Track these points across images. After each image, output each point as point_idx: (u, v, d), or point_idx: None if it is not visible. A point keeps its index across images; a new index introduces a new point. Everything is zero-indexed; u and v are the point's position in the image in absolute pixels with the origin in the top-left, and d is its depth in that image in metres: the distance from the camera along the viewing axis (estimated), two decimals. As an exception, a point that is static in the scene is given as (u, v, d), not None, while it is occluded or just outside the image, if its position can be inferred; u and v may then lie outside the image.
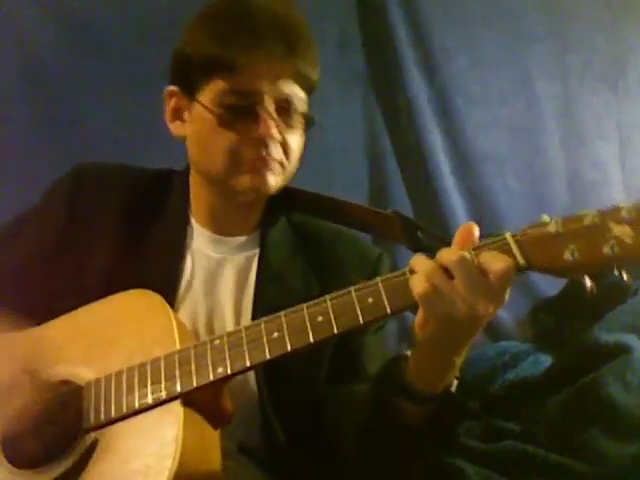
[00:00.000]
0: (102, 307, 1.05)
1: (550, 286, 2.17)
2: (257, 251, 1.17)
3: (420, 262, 0.87)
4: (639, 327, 1.70)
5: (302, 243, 1.20)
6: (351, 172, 2.36)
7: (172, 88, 1.14)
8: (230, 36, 1.05)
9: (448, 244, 0.89)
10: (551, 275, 0.87)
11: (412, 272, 0.87)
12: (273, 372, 1.08)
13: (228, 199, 1.14)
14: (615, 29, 2.57)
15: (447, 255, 0.85)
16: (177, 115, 1.14)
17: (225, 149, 1.07)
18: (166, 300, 1.04)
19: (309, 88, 1.12)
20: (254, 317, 1.11)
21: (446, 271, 0.84)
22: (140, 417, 0.93)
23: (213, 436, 0.96)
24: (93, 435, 0.93)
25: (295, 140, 1.11)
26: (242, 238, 1.18)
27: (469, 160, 2.45)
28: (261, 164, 1.07)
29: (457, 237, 0.89)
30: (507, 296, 0.86)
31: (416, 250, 1.07)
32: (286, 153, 1.10)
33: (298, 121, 1.10)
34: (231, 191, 1.11)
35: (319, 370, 1.13)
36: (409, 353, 0.95)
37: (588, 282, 0.85)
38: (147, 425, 0.92)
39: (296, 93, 1.09)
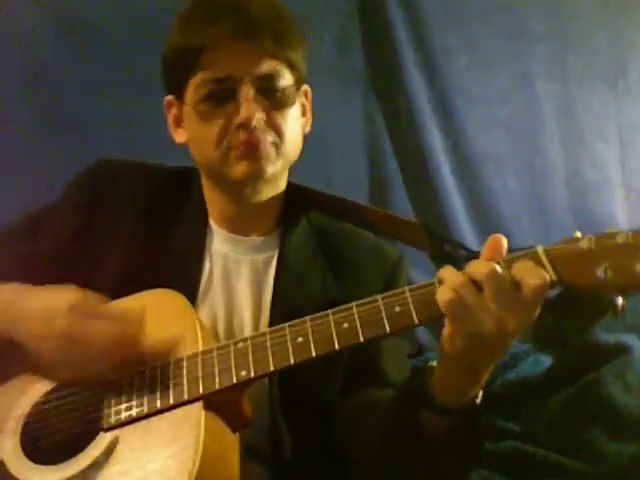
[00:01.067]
0: (126, 305, 1.03)
1: (550, 286, 2.17)
2: (276, 252, 1.16)
3: (448, 273, 0.85)
4: (639, 327, 1.70)
5: (322, 244, 1.18)
6: (351, 172, 2.36)
7: (169, 98, 1.16)
8: (194, 27, 1.05)
9: (476, 257, 0.88)
10: (580, 292, 0.86)
11: (440, 283, 0.86)
12: (285, 375, 1.05)
13: (238, 199, 1.14)
14: (615, 29, 2.56)
15: (477, 267, 0.83)
16: (178, 123, 1.16)
17: (213, 140, 1.07)
18: (187, 295, 1.04)
19: (291, 66, 1.09)
20: (272, 318, 1.11)
21: (476, 285, 0.83)
22: (161, 417, 0.92)
23: (232, 439, 0.96)
24: (113, 434, 0.93)
25: (286, 117, 1.09)
26: (260, 238, 1.17)
27: (469, 160, 2.45)
28: (252, 149, 1.06)
29: (486, 248, 0.87)
30: (538, 312, 0.84)
31: (440, 260, 1.07)
32: (278, 133, 1.08)
33: (286, 99, 1.08)
34: (233, 184, 1.10)
35: (333, 376, 1.12)
36: (435, 364, 0.95)
37: (620, 300, 0.84)
38: (167, 426, 0.91)
39: (275, 69, 1.06)
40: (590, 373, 1.55)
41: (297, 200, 1.19)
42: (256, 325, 1.13)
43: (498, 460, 1.45)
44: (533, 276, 0.81)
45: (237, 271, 1.15)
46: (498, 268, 0.82)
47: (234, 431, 0.97)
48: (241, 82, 1.04)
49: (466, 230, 2.38)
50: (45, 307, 0.92)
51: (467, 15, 2.42)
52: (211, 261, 1.15)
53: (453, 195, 2.41)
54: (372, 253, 1.19)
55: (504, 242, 0.86)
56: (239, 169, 1.07)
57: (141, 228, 1.14)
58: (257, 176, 1.08)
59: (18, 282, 1.00)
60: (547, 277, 0.81)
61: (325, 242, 1.19)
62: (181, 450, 0.88)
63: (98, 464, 0.91)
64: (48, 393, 1.00)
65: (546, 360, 1.82)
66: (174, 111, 1.15)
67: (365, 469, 1.07)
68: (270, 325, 1.09)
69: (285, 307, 1.02)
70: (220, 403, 0.93)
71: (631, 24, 2.58)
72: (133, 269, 1.10)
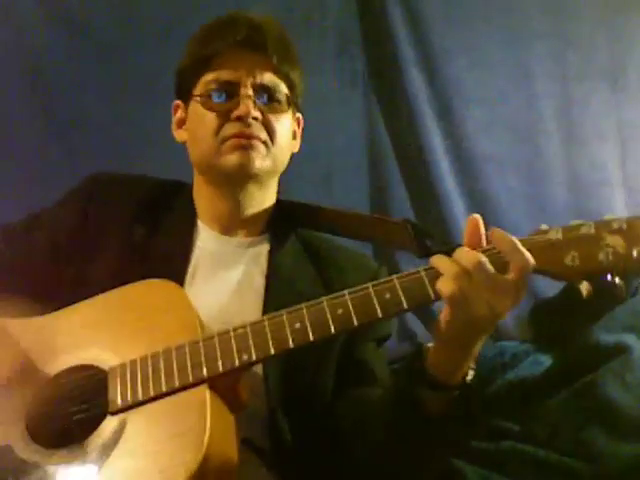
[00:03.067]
0: (121, 295, 1.08)
1: (550, 286, 2.17)
2: (264, 251, 1.23)
3: (444, 263, 0.92)
4: (639, 327, 1.70)
5: (309, 255, 1.26)
6: (351, 172, 2.36)
7: (177, 102, 1.27)
8: (211, 37, 1.19)
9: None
10: (551, 277, 0.93)
11: (434, 271, 0.93)
12: (281, 369, 1.12)
13: (228, 196, 1.21)
14: (615, 28, 2.56)
15: (467, 257, 0.91)
16: (180, 124, 1.27)
17: (210, 130, 1.17)
18: None
19: (290, 84, 1.21)
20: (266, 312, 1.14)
21: (468, 273, 0.90)
22: (165, 400, 0.96)
23: (232, 421, 1.00)
24: (121, 417, 0.96)
25: (279, 123, 1.19)
26: (248, 239, 1.23)
27: (469, 160, 2.44)
28: (244, 142, 1.16)
29: (466, 233, 0.95)
30: (525, 292, 0.92)
31: (425, 256, 1.10)
32: (270, 134, 1.17)
33: (281, 108, 1.20)
34: (224, 177, 1.18)
35: (325, 376, 1.17)
36: (429, 345, 1.00)
37: (585, 285, 0.92)
38: (174, 407, 0.95)
39: (275, 82, 1.19)
40: (589, 373, 1.55)
41: (286, 213, 1.27)
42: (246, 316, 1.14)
43: (498, 460, 1.45)
44: (518, 258, 0.90)
45: (225, 267, 1.20)
46: (483, 257, 0.90)
47: (232, 413, 1.00)
48: (243, 86, 1.17)
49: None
50: None
51: (467, 15, 2.42)
52: (198, 258, 1.20)
53: (453, 195, 2.40)
54: (355, 264, 1.27)
55: (480, 223, 0.95)
56: (230, 158, 1.16)
57: (132, 228, 1.20)
58: (246, 167, 1.16)
59: (14, 276, 1.07)
60: (530, 258, 0.89)
61: (312, 253, 1.26)
62: (190, 428, 0.92)
63: (107, 446, 0.94)
64: (53, 379, 1.02)
65: (546, 360, 1.82)
66: (179, 114, 1.27)
67: (368, 460, 1.11)
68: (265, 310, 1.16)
69: (276, 306, 1.04)
70: (222, 387, 0.98)
71: (631, 23, 2.58)
72: (121, 268, 1.15)
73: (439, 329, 0.95)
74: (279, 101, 1.19)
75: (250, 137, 1.16)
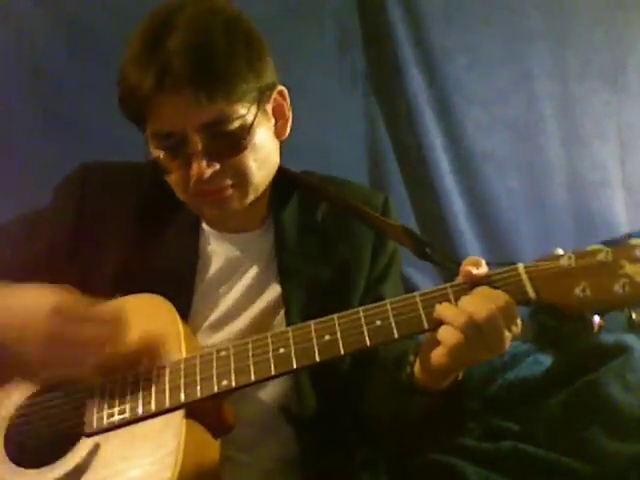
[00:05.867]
0: (110, 307, 1.04)
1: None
2: (270, 240, 1.18)
3: (450, 313, 0.88)
4: (639, 327, 1.70)
5: (313, 213, 1.20)
6: (351, 172, 2.35)
7: None
8: (139, 82, 1.00)
9: (454, 262, 0.93)
10: (560, 311, 0.88)
11: (431, 300, 0.89)
12: None
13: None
14: (615, 28, 2.56)
15: (479, 312, 0.86)
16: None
17: (175, 186, 1.08)
18: (182, 299, 1.06)
19: (240, 98, 1.02)
20: (285, 290, 1.14)
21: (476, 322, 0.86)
22: (143, 424, 0.93)
23: (214, 446, 0.97)
24: (95, 440, 0.93)
25: (243, 159, 1.04)
26: (253, 233, 1.18)
27: (469, 160, 2.44)
28: (212, 197, 1.06)
29: (462, 271, 0.91)
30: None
31: (423, 259, 1.11)
32: (238, 176, 1.05)
33: (238, 140, 1.03)
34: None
35: None
36: (412, 359, 0.99)
37: (597, 320, 0.86)
38: (149, 433, 0.92)
39: (219, 113, 1.00)
40: (590, 373, 1.55)
41: (284, 182, 1.19)
42: (254, 322, 1.14)
43: (498, 460, 1.45)
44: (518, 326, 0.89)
45: (235, 268, 1.16)
46: (497, 313, 0.86)
47: (216, 437, 0.98)
48: (188, 134, 1.01)
49: (466, 230, 2.39)
50: (27, 308, 0.90)
51: (467, 15, 2.42)
52: (206, 262, 1.16)
53: (453, 195, 2.40)
54: (360, 198, 1.22)
55: (482, 268, 0.91)
56: (207, 212, 1.12)
57: (134, 226, 1.15)
58: (226, 214, 1.11)
59: (12, 280, 1.00)
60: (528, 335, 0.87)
61: (316, 210, 1.20)
62: (162, 457, 0.89)
63: (79, 469, 0.91)
64: (32, 396, 1.00)
65: (546, 360, 1.82)
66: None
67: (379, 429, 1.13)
68: (285, 301, 1.13)
69: (296, 279, 1.03)
70: (202, 410, 0.94)
71: (630, 23, 2.58)
72: (128, 270, 1.11)
73: (427, 358, 0.93)
74: (233, 133, 1.02)
75: (216, 192, 1.05)
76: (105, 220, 1.15)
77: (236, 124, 1.02)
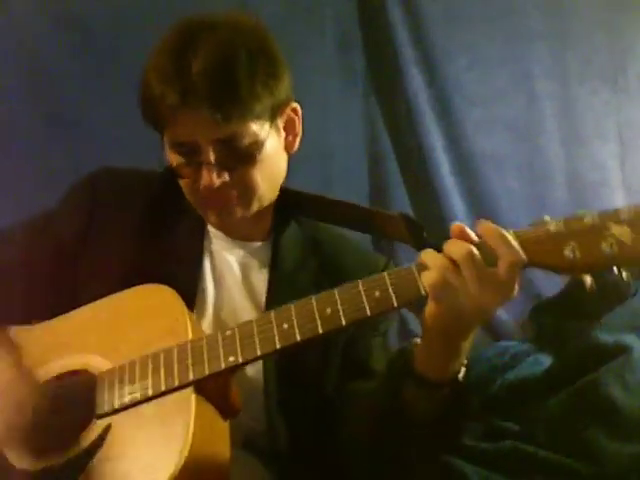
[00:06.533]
0: (115, 300, 1.07)
1: (550, 286, 2.17)
2: (269, 254, 1.19)
3: (431, 256, 0.89)
4: (639, 327, 1.71)
5: (313, 249, 1.22)
6: (351, 172, 2.36)
7: None
8: (162, 95, 1.04)
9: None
10: (551, 271, 0.89)
11: (422, 266, 0.90)
12: (281, 372, 1.10)
13: None
14: (615, 28, 2.57)
15: (455, 249, 0.87)
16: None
17: (185, 191, 1.11)
18: (187, 301, 1.06)
19: (255, 117, 1.05)
20: None
21: (456, 265, 0.87)
22: (153, 403, 0.95)
23: (223, 427, 0.99)
24: (107, 421, 0.96)
25: (253, 173, 1.08)
26: (257, 244, 1.20)
27: (469, 160, 2.45)
28: (219, 208, 1.10)
29: (452, 230, 0.91)
30: (517, 289, 0.88)
31: (421, 249, 1.09)
32: (245, 188, 1.08)
33: (250, 155, 1.07)
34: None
35: (327, 375, 1.16)
36: (418, 341, 0.98)
37: (588, 280, 0.88)
38: (160, 411, 0.95)
39: (234, 131, 1.04)
40: (590, 373, 1.55)
41: (286, 205, 1.21)
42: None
43: (498, 460, 1.45)
44: (507, 254, 0.86)
45: (233, 272, 1.18)
46: (473, 249, 0.87)
47: (224, 419, 0.99)
48: (202, 145, 1.05)
49: (466, 230, 2.39)
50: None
51: (467, 15, 2.42)
52: (210, 261, 1.18)
53: (453, 195, 2.41)
54: (361, 260, 1.23)
55: (463, 228, 0.91)
56: (211, 217, 1.13)
57: (141, 229, 1.17)
58: (230, 223, 1.13)
59: (19, 282, 1.03)
60: (520, 255, 0.85)
61: (316, 247, 1.22)
62: (173, 433, 0.91)
63: (92, 450, 0.94)
64: (42, 385, 1.02)
65: (546, 360, 1.82)
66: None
67: (359, 456, 1.10)
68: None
69: (280, 302, 1.04)
70: (210, 391, 0.97)
71: (630, 23, 2.59)
72: (134, 270, 1.12)
73: (424, 324, 0.93)
74: (247, 149, 1.06)
75: (222, 203, 1.09)
76: (113, 224, 1.17)
77: (249, 140, 1.06)
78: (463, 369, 0.98)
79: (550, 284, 2.18)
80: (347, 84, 2.34)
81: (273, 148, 1.11)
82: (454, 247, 0.88)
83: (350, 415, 1.12)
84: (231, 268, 1.18)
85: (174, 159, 1.08)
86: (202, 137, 1.04)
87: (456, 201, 2.40)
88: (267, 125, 1.08)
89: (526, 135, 2.51)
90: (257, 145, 1.07)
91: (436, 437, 1.04)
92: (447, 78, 2.41)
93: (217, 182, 1.05)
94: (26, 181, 1.84)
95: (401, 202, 2.37)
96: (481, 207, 2.44)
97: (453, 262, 0.87)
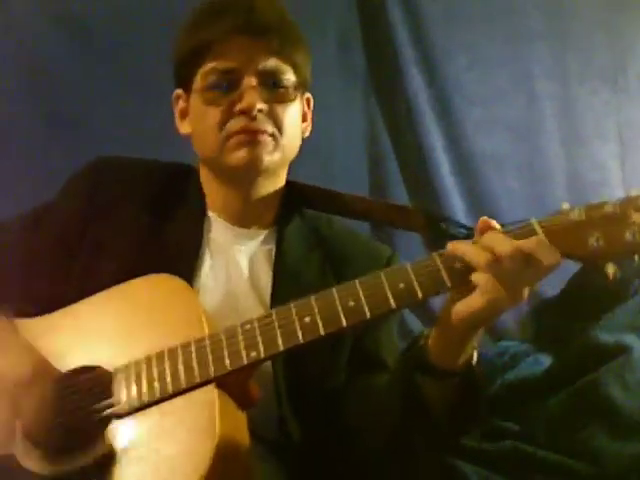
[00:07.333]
0: (124, 292, 1.05)
1: (550, 286, 2.17)
2: (273, 246, 1.19)
3: (473, 252, 0.87)
4: (639, 327, 1.70)
5: (317, 241, 1.21)
6: (351, 172, 2.36)
7: (178, 91, 1.20)
8: (208, 23, 1.13)
9: (470, 228, 0.90)
10: (575, 261, 0.88)
11: (449, 258, 0.88)
12: (291, 366, 1.09)
13: (237, 191, 1.17)
14: (615, 28, 2.56)
15: (501, 245, 0.86)
16: (183, 115, 1.20)
17: (214, 125, 1.11)
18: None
19: (295, 67, 1.15)
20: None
21: (498, 259, 0.85)
22: (173, 401, 0.93)
23: (242, 418, 0.97)
24: (127, 421, 0.93)
25: (287, 111, 1.13)
26: (261, 231, 1.19)
27: (469, 160, 2.44)
28: (250, 136, 1.10)
29: (479, 223, 0.91)
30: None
31: (436, 242, 1.09)
32: (277, 125, 1.12)
33: (288, 95, 1.14)
34: (232, 174, 1.14)
35: (338, 364, 1.14)
36: (427, 333, 0.97)
37: (611, 269, 0.86)
38: (181, 409, 0.92)
39: (279, 67, 1.12)
40: (590, 373, 1.55)
41: (293, 197, 1.22)
42: (253, 310, 1.13)
43: (498, 460, 1.45)
44: (550, 256, 0.85)
45: (235, 261, 1.17)
46: (520, 245, 0.85)
47: (242, 410, 0.98)
48: (246, 74, 1.10)
49: (466, 230, 2.39)
50: None
51: (467, 15, 2.42)
52: (210, 251, 1.17)
53: (453, 195, 2.41)
54: (366, 251, 1.22)
55: (493, 222, 0.91)
56: (237, 156, 1.11)
57: (141, 219, 1.16)
58: (254, 164, 1.11)
59: (20, 272, 1.04)
60: (560, 257, 0.85)
61: (321, 239, 1.21)
62: (199, 429, 0.89)
63: (114, 451, 0.91)
64: (55, 382, 0.99)
65: (546, 360, 1.82)
66: (181, 104, 1.20)
67: (372, 449, 1.10)
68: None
69: (283, 302, 1.03)
70: (231, 385, 0.95)
71: (631, 23, 2.58)
72: (132, 260, 1.11)
73: (452, 317, 0.90)
74: (285, 87, 1.12)
75: (256, 132, 1.09)
76: (114, 213, 1.17)
77: (288, 82, 1.13)
78: (475, 353, 0.98)
79: (550, 284, 2.18)
80: (347, 84, 2.34)
81: (297, 112, 1.16)
82: (500, 245, 0.86)
83: (364, 410, 1.11)
84: (233, 256, 1.17)
85: (208, 97, 1.11)
86: (249, 64, 1.10)
87: (456, 201, 2.40)
88: (297, 92, 1.15)
89: (526, 135, 2.51)
90: (291, 91, 1.14)
91: (452, 426, 1.02)
92: (447, 78, 2.41)
93: (258, 105, 1.08)
94: (26, 181, 1.84)
95: (401, 202, 2.36)
96: (481, 207, 2.43)
97: (496, 257, 0.86)
